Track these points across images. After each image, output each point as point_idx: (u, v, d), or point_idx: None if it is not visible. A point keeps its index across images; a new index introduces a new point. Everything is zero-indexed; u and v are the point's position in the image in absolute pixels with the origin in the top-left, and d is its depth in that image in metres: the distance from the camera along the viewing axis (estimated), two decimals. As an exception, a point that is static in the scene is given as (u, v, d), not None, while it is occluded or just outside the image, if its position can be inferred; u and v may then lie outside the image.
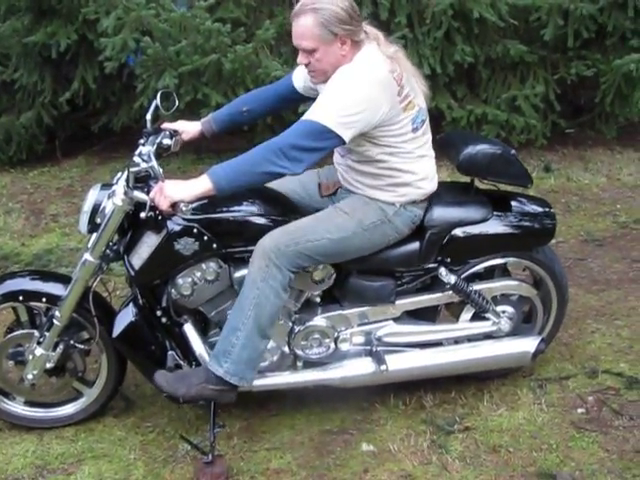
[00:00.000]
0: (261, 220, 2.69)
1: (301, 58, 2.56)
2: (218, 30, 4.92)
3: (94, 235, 2.66)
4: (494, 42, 5.31)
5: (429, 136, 2.75)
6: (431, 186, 2.77)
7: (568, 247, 4.35)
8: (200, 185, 2.45)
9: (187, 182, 2.48)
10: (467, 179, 2.94)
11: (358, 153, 2.65)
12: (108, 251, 2.68)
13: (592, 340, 3.39)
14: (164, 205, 2.43)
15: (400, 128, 2.60)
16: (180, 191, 2.44)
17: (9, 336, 2.84)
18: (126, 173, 2.55)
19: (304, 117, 2.50)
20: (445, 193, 2.84)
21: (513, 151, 2.88)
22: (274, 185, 2.85)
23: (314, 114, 2.47)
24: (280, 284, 2.58)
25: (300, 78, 2.90)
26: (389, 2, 5.01)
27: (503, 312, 2.96)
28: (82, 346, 2.84)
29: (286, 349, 2.83)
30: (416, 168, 2.69)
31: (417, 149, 2.68)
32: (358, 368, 2.83)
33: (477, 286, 2.89)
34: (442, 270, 2.81)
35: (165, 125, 2.90)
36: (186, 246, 2.62)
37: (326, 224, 2.66)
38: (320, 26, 2.46)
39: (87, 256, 2.65)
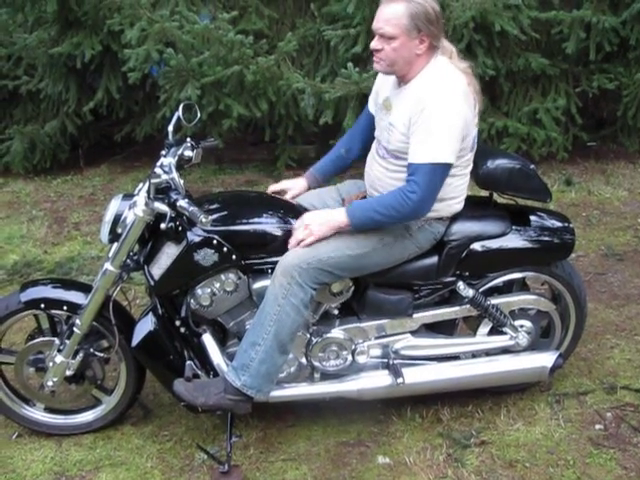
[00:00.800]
0: (280, 232, 2.70)
1: (375, 43, 2.58)
2: (241, 42, 4.97)
3: (115, 245, 2.68)
4: (515, 55, 5.31)
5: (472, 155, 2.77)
6: (460, 205, 2.77)
7: (588, 261, 4.33)
8: (339, 219, 2.60)
9: (327, 217, 2.63)
10: (486, 193, 2.94)
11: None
12: (128, 261, 2.71)
13: (611, 355, 3.37)
14: (307, 242, 2.60)
15: (465, 143, 2.62)
16: (323, 228, 2.61)
17: (30, 343, 2.87)
18: (147, 184, 2.59)
19: (427, 160, 2.51)
20: (464, 207, 2.83)
21: (532, 165, 2.88)
22: (297, 198, 2.91)
23: (435, 154, 2.51)
24: (301, 301, 2.59)
25: (372, 104, 2.94)
26: (411, 15, 5.02)
27: (521, 326, 2.95)
28: (101, 354, 2.87)
29: (304, 361, 2.84)
30: (456, 184, 2.70)
31: (466, 167, 2.71)
32: (375, 381, 2.83)
33: (495, 300, 2.89)
34: (460, 284, 2.81)
35: (272, 188, 3.01)
36: (205, 257, 2.65)
37: (347, 240, 2.65)
38: (409, 17, 2.49)
39: (108, 265, 2.68)
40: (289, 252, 2.62)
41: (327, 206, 2.91)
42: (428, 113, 2.51)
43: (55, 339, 2.82)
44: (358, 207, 2.62)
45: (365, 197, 2.86)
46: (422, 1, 2.52)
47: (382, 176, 2.74)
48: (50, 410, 2.98)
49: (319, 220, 2.62)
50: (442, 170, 2.56)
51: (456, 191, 2.72)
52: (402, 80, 2.65)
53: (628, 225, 4.81)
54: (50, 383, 2.82)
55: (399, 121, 2.61)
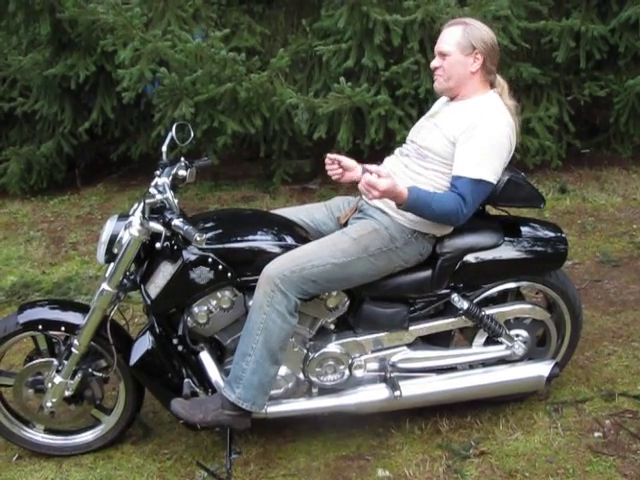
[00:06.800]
0: (274, 249, 2.72)
1: (434, 61, 2.77)
2: (233, 59, 5.01)
3: (111, 265, 2.70)
4: (507, 65, 5.35)
5: None
6: (450, 229, 2.80)
7: (584, 268, 4.35)
8: (401, 190, 2.53)
9: (393, 183, 2.52)
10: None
11: (435, 168, 2.71)
12: (125, 280, 2.73)
13: (608, 362, 3.38)
14: (374, 194, 2.51)
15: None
16: (388, 189, 2.50)
17: (29, 364, 2.87)
18: (142, 204, 2.61)
19: (474, 175, 2.61)
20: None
21: (522, 173, 2.91)
22: (284, 214, 2.92)
23: (486, 172, 2.63)
24: (286, 309, 2.60)
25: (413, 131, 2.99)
26: (401, 28, 5.07)
27: (517, 336, 2.96)
28: (100, 374, 2.87)
29: (301, 376, 2.85)
30: None
31: None
32: (372, 394, 2.84)
33: (490, 310, 2.90)
34: (454, 296, 2.83)
35: (331, 156, 2.93)
36: (201, 275, 2.66)
37: (331, 249, 2.68)
38: (464, 36, 2.70)
39: (105, 286, 2.70)
40: (272, 261, 2.64)
41: (315, 221, 2.95)
42: (480, 131, 2.64)
43: (53, 360, 2.82)
44: (420, 192, 2.59)
45: (357, 209, 2.88)
46: (479, 26, 2.74)
47: (399, 172, 2.78)
48: (50, 431, 2.98)
49: (386, 182, 2.50)
50: (484, 188, 2.66)
51: None
52: (455, 99, 2.79)
53: (623, 231, 4.83)
54: (49, 404, 2.83)
55: (445, 125, 2.72)
